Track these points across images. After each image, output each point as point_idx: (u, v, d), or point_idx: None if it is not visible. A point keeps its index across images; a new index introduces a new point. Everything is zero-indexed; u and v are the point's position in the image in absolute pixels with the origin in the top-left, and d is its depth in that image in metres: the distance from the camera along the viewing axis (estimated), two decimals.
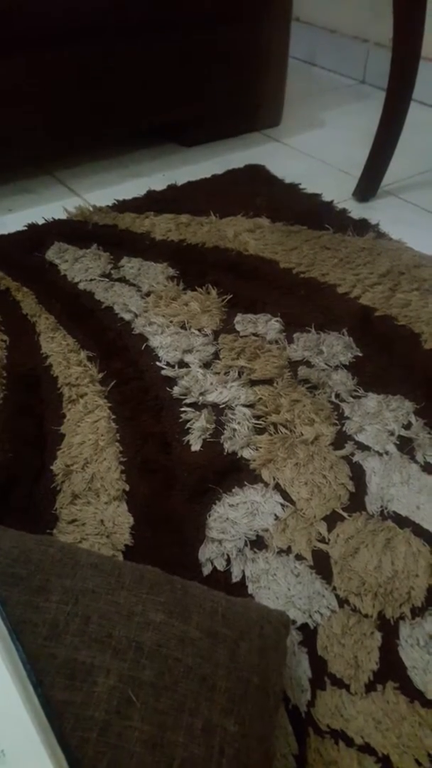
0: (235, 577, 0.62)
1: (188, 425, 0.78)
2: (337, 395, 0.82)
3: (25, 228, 1.16)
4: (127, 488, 0.70)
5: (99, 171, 1.37)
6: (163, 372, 0.85)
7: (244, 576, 0.62)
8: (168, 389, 0.83)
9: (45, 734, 0.36)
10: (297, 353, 0.88)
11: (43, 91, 1.19)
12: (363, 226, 1.16)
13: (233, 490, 0.70)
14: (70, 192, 1.30)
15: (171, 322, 0.94)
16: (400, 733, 0.52)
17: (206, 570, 0.63)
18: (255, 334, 0.92)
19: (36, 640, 0.41)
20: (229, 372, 0.85)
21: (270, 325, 0.93)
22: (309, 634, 0.58)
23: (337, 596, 0.61)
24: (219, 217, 1.18)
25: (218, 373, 0.85)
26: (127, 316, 0.95)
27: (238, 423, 0.78)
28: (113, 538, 0.65)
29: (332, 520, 0.67)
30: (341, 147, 1.46)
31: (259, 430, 0.77)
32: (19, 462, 0.73)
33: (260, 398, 0.81)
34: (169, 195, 1.26)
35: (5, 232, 1.15)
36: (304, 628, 0.58)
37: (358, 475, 0.72)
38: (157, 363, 0.87)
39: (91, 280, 1.03)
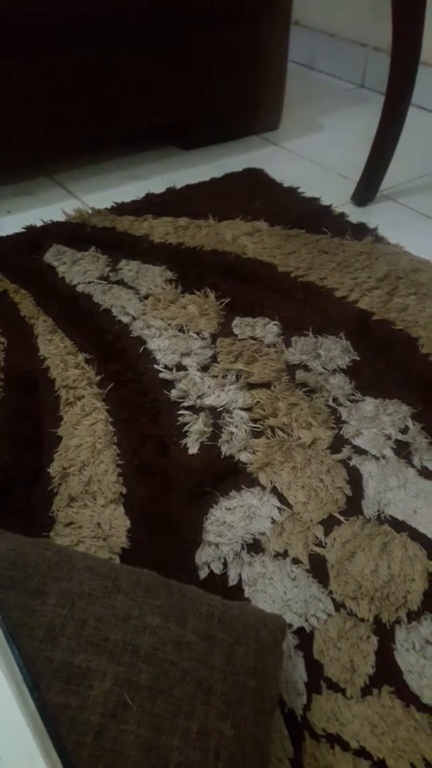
0: (232, 580, 0.62)
1: (186, 428, 0.78)
2: (335, 399, 0.82)
3: (24, 230, 1.16)
4: (124, 491, 0.70)
5: (98, 173, 1.37)
6: (161, 375, 0.85)
7: (240, 579, 0.62)
8: (166, 392, 0.83)
9: (41, 738, 0.36)
10: (295, 357, 0.88)
11: (42, 91, 1.19)
12: (361, 230, 1.16)
13: (230, 494, 0.70)
14: (68, 194, 1.30)
15: (169, 325, 0.94)
16: (396, 737, 0.52)
17: (203, 573, 0.63)
18: (253, 338, 0.92)
19: (32, 643, 0.41)
20: (226, 375, 0.85)
21: (268, 329, 0.93)
22: (305, 637, 0.58)
23: (333, 600, 0.61)
24: (217, 221, 1.18)
25: (216, 377, 0.85)
26: (125, 319, 0.95)
27: (236, 426, 0.78)
28: (110, 541, 0.65)
29: (329, 523, 0.67)
30: (340, 151, 1.46)
31: (257, 434, 0.77)
32: (16, 464, 0.73)
33: (258, 402, 0.81)
34: (167, 198, 1.26)
35: (3, 234, 1.15)
36: (300, 631, 0.59)
37: (355, 479, 0.72)
38: (155, 366, 0.87)
39: (89, 282, 1.03)
